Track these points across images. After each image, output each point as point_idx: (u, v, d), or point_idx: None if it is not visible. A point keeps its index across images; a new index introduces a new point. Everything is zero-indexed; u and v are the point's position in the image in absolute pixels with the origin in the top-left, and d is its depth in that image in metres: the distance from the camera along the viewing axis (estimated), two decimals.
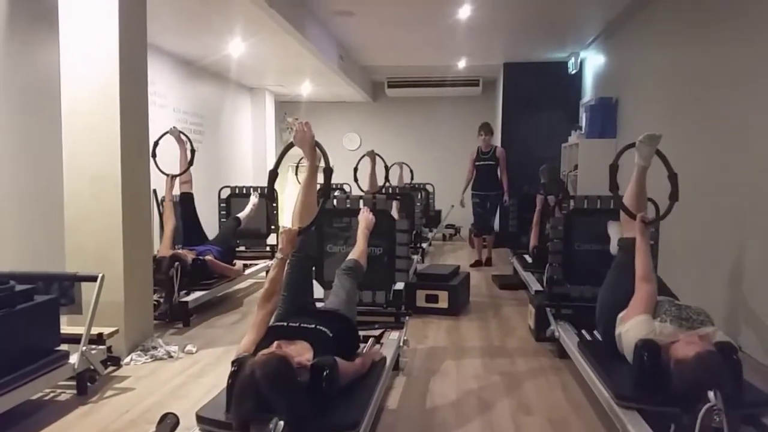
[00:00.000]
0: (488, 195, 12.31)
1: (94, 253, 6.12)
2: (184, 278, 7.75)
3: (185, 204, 9.10)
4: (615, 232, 6.10)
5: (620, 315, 4.78)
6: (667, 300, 4.71)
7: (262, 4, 8.13)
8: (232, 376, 3.65)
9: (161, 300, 7.51)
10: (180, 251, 8.27)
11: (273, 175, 4.97)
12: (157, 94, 11.41)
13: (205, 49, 11.80)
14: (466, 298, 8.99)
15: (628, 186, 5.42)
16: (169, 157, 9.05)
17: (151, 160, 7.55)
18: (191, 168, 9.08)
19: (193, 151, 9.01)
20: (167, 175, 8.81)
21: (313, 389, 3.64)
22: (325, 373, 3.72)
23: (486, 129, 12.37)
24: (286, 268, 4.50)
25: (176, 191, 8.91)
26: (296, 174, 15.30)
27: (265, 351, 3.69)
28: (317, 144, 4.94)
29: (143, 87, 6.60)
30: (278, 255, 4.39)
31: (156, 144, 8.57)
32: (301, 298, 4.76)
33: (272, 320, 4.30)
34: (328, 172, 4.78)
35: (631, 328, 4.50)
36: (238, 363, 3.71)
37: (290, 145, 5.01)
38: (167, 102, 12.08)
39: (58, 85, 6.17)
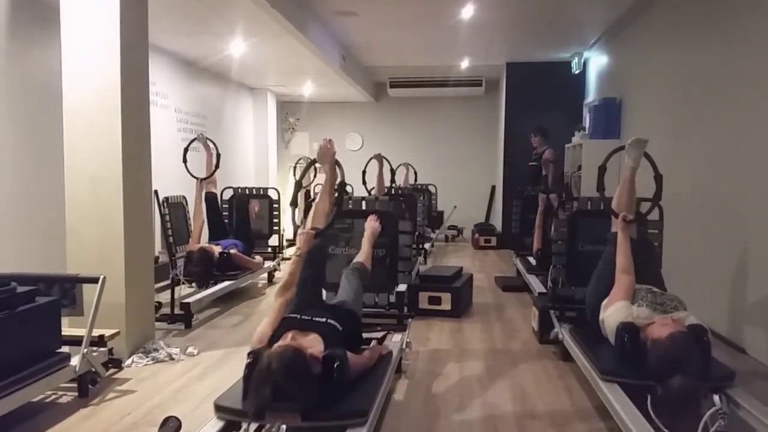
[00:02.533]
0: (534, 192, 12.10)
1: (95, 254, 6.10)
2: (214, 270, 8.74)
3: (210, 203, 9.74)
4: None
5: (603, 302, 5.29)
6: (645, 288, 5.20)
7: (264, 5, 8.12)
8: (249, 366, 3.84)
9: (160, 303, 7.60)
10: (207, 245, 9.09)
11: (298, 185, 6.16)
12: (159, 94, 11.40)
13: (206, 50, 11.79)
14: (469, 300, 8.95)
15: (618, 186, 5.83)
16: (196, 161, 9.49)
17: (181, 164, 8.94)
18: (216, 170, 9.73)
19: (218, 156, 9.66)
20: (197, 178, 9.49)
21: (325, 380, 3.86)
22: (336, 365, 3.93)
23: (534, 130, 12.37)
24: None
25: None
26: (294, 173, 15.27)
27: (280, 343, 3.94)
28: (336, 160, 5.49)
29: (145, 87, 6.59)
30: (296, 252, 4.92)
31: (186, 150, 9.57)
32: (312, 294, 4.94)
33: (286, 313, 4.54)
34: (342, 186, 5.52)
35: (612, 313, 5.03)
36: (254, 354, 3.89)
37: (314, 161, 5.85)
38: (169, 102, 12.06)
39: (60, 85, 6.14)
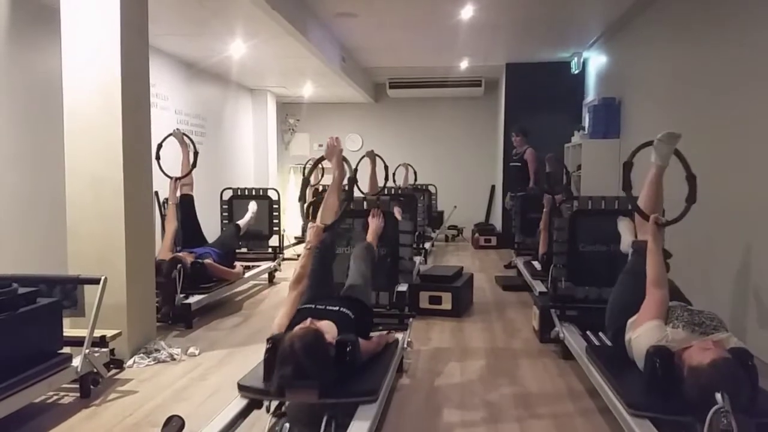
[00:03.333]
0: (515, 196, 12.34)
1: (96, 255, 6.11)
2: (184, 281, 7.76)
3: (185, 206, 9.04)
4: (626, 229, 6.10)
5: (631, 320, 4.73)
6: (680, 305, 4.65)
7: (263, 6, 8.12)
8: (269, 351, 4.23)
9: (160, 303, 7.44)
10: (180, 254, 8.28)
11: (305, 182, 6.11)
12: (159, 95, 11.40)
13: (206, 51, 11.79)
14: (470, 300, 8.97)
15: (643, 186, 5.38)
16: (172, 159, 9.07)
17: (155, 162, 7.89)
18: (193, 170, 9.06)
19: (196, 153, 9.02)
20: (171, 177, 8.81)
21: (338, 362, 4.21)
22: (348, 348, 4.31)
23: (516, 129, 12.69)
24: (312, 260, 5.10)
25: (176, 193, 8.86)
26: (303, 172, 15.29)
27: (301, 325, 4.25)
28: (344, 157, 5.74)
29: (145, 89, 6.59)
30: (306, 246, 5.12)
31: (159, 146, 8.67)
32: (323, 286, 5.21)
33: (300, 304, 4.84)
34: (352, 181, 5.78)
35: (643, 333, 4.43)
36: (273, 339, 4.25)
37: (321, 158, 5.97)
38: (168, 104, 12.07)
39: (60, 87, 6.15)
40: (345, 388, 4.23)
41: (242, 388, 4.37)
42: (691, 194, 5.14)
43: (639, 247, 5.23)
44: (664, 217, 5.37)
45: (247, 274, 9.57)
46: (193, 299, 7.76)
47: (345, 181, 5.76)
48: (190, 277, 7.94)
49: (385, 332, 5.68)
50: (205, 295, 8.10)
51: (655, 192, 5.30)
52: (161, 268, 7.50)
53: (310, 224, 5.37)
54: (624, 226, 6.17)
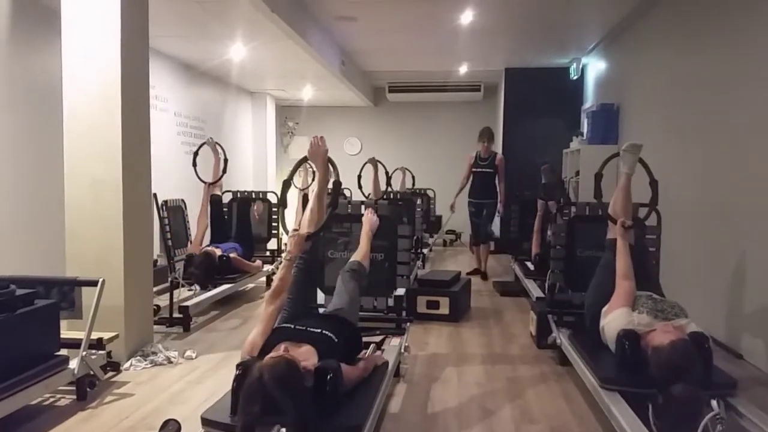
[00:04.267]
0: (483, 203, 11.76)
1: (94, 257, 6.10)
2: (214, 273, 8.75)
3: (214, 206, 9.79)
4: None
5: (603, 309, 5.29)
6: (646, 294, 5.21)
7: (264, 9, 8.13)
8: (238, 378, 3.76)
9: (159, 306, 7.59)
10: (209, 248, 9.18)
11: (286, 184, 5.25)
12: (158, 98, 11.40)
13: (206, 54, 11.81)
14: (467, 305, 8.99)
15: (614, 193, 5.87)
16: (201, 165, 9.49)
17: (192, 168, 9.17)
18: (224, 176, 9.88)
19: (225, 161, 9.80)
20: (205, 182, 9.61)
21: (317, 392, 3.74)
22: (329, 377, 3.83)
23: (487, 135, 11.74)
24: (293, 271, 4.64)
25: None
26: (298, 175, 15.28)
27: (273, 354, 3.77)
28: (329, 159, 5.25)
29: (145, 91, 6.60)
30: (286, 256, 4.60)
31: (196, 154, 9.71)
32: (305, 302, 4.91)
33: (278, 322, 4.46)
34: (337, 185, 5.15)
35: (613, 320, 5.02)
36: (243, 366, 3.80)
37: (304, 159, 5.48)
38: (168, 106, 12.06)
39: (60, 89, 6.15)
40: (324, 424, 3.74)
41: (206, 422, 3.90)
42: (654, 198, 5.93)
43: (610, 244, 5.76)
44: (634, 219, 5.90)
45: (245, 277, 9.72)
46: (191, 302, 7.78)
47: (330, 185, 5.34)
48: (218, 269, 8.87)
49: (376, 348, 5.61)
50: (204, 297, 8.22)
51: (625, 197, 5.81)
52: (193, 260, 8.59)
53: (290, 232, 4.89)
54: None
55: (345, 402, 4.04)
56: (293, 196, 10.19)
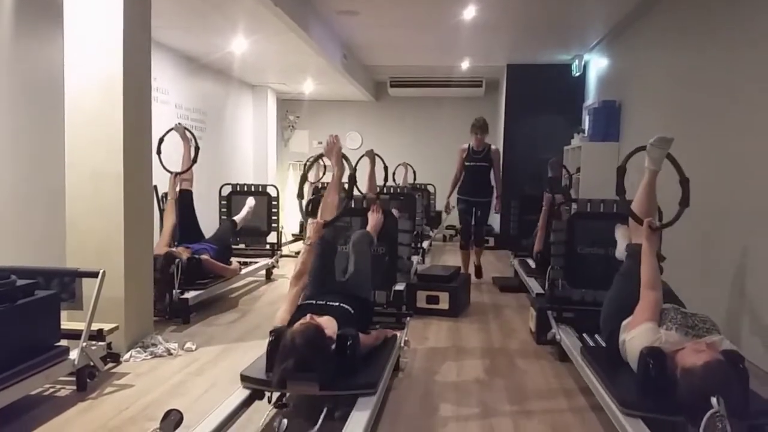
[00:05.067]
0: (477, 201, 10.72)
1: (95, 249, 6.12)
2: (180, 276, 7.77)
3: (184, 202, 8.99)
4: (622, 236, 6.08)
5: (625, 322, 4.75)
6: (673, 307, 4.67)
7: (267, 3, 8.13)
8: (271, 343, 4.37)
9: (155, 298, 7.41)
10: (175, 249, 8.31)
11: (303, 178, 6.15)
12: (159, 89, 11.41)
13: (208, 46, 11.82)
14: (467, 300, 9.01)
15: (637, 190, 5.40)
16: (171, 154, 9.16)
17: (155, 156, 7.88)
18: (193, 166, 9.11)
19: (197, 149, 9.07)
20: (171, 172, 8.80)
21: (338, 356, 4.34)
22: (348, 342, 4.43)
23: (480, 126, 10.57)
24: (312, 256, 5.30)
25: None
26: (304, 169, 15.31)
27: (302, 321, 4.35)
28: (343, 155, 5.86)
29: (146, 83, 6.62)
30: (306, 242, 5.34)
31: (161, 141, 8.73)
32: (323, 282, 5.38)
33: (301, 300, 5.05)
34: (353, 178, 5.97)
35: (637, 335, 4.45)
36: (276, 332, 4.41)
37: (320, 155, 6.23)
38: (169, 98, 12.10)
39: (62, 80, 6.17)
40: (345, 381, 4.35)
41: (245, 378, 4.50)
42: (685, 198, 5.18)
43: (633, 250, 5.25)
44: (659, 221, 5.46)
45: (244, 271, 9.59)
46: (191, 294, 7.75)
47: (345, 179, 5.91)
48: (186, 272, 7.91)
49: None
50: (203, 291, 8.11)
51: (649, 196, 5.34)
52: (155, 263, 7.35)
53: (309, 221, 5.50)
54: (621, 233, 6.14)
55: (362, 364, 4.66)
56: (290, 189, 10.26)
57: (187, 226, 9.03)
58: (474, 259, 11.09)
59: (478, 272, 11.15)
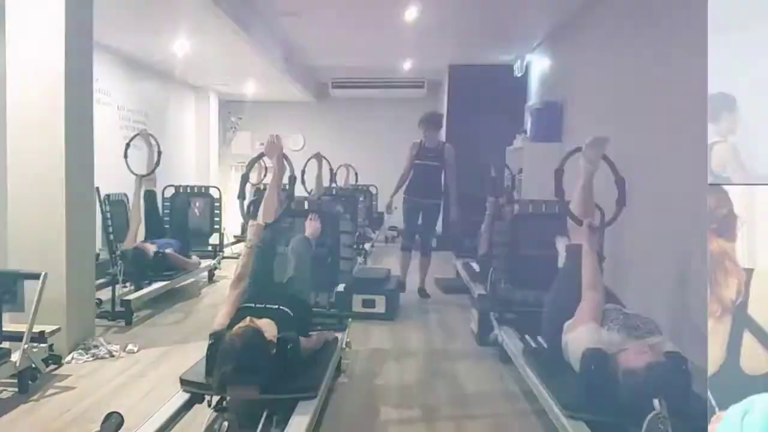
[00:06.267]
0: (424, 203, 9.83)
1: (36, 251, 6.07)
2: (148, 270, 8.65)
3: (149, 201, 9.66)
4: (563, 246, 6.11)
5: (567, 323, 4.72)
6: (615, 308, 4.67)
7: (207, 3, 8.11)
8: (211, 347, 4.33)
9: (101, 300, 7.67)
10: (142, 244, 8.97)
11: (244, 179, 6.14)
12: (101, 91, 11.25)
13: (149, 47, 11.75)
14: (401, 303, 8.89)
15: (575, 191, 5.42)
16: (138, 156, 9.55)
17: (124, 160, 9.03)
18: (156, 168, 9.68)
19: (159, 153, 9.62)
20: (136, 175, 9.31)
21: (279, 359, 4.28)
22: (288, 346, 4.38)
23: (434, 121, 9.90)
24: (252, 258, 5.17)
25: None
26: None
27: (240, 324, 4.31)
28: (284, 155, 5.84)
29: (89, 87, 6.61)
30: (247, 244, 5.22)
31: (128, 146, 9.45)
32: (263, 284, 5.32)
33: (241, 303, 4.88)
34: (293, 179, 5.89)
35: (578, 336, 4.42)
36: (215, 336, 4.37)
37: (261, 155, 6.21)
38: (111, 99, 11.96)
39: (3, 83, 6.12)
40: (285, 384, 4.33)
41: (184, 382, 4.48)
42: (621, 197, 5.23)
43: (572, 250, 5.24)
44: (601, 221, 5.53)
45: (182, 274, 9.62)
46: (133, 295, 7.81)
47: (285, 179, 5.90)
48: (152, 265, 8.76)
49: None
50: (145, 292, 8.23)
51: (587, 196, 5.36)
52: (126, 257, 8.32)
53: (250, 222, 5.46)
54: (562, 244, 6.15)
55: (302, 367, 4.64)
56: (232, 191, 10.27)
57: (152, 223, 9.80)
58: (419, 274, 9.95)
59: (422, 291, 9.91)
